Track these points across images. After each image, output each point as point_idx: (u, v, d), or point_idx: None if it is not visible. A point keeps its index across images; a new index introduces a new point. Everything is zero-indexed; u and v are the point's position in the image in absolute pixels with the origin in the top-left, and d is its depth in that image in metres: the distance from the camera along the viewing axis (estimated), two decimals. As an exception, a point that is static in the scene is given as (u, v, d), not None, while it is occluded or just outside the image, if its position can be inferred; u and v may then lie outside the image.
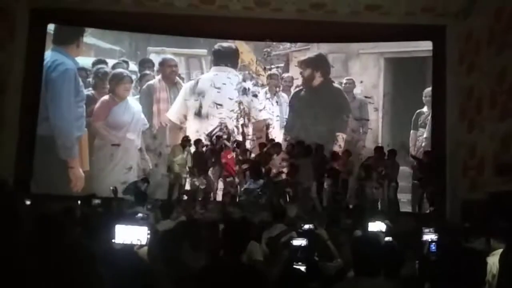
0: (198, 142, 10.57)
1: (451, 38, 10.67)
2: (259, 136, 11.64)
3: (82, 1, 10.69)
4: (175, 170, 10.18)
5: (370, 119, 11.82)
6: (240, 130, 11.69)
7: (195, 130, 11.63)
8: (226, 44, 12.10)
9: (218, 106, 11.78)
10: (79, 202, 7.57)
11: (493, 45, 8.95)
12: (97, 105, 11.59)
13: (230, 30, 11.55)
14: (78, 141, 11.36)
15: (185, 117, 11.82)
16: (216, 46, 12.07)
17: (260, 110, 11.97)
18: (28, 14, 10.61)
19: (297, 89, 12.11)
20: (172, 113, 11.87)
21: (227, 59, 12.06)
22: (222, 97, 11.88)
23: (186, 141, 10.49)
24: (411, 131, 11.58)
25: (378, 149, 10.48)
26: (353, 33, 11.33)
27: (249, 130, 11.82)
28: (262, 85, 12.17)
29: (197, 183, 10.12)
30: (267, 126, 11.74)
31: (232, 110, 11.82)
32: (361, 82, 11.87)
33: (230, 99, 11.88)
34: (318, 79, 12.05)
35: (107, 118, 11.56)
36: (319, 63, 12.04)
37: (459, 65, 10.35)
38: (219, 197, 10.50)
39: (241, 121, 11.76)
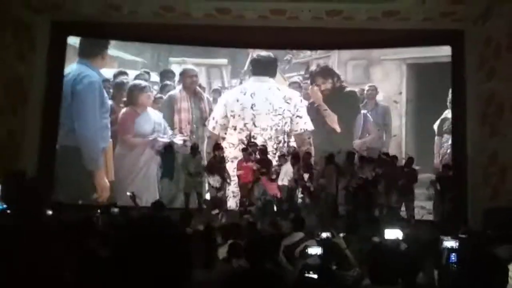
0: (216, 148, 10.55)
1: (470, 43, 10.53)
2: (300, 146, 11.48)
3: (102, 13, 10.84)
4: (189, 179, 10.24)
5: (393, 126, 11.71)
6: (281, 141, 11.62)
7: (237, 139, 11.59)
8: (264, 53, 12.01)
9: (258, 116, 11.74)
10: (98, 211, 7.66)
11: (514, 50, 8.83)
12: (120, 119, 11.70)
13: (248, 39, 11.59)
14: (103, 152, 11.50)
15: (225, 126, 11.80)
16: (254, 55, 12.02)
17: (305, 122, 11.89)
18: (49, 26, 10.82)
19: (310, 101, 12.02)
20: (211, 123, 11.87)
21: (266, 68, 12.01)
22: (261, 107, 11.80)
23: (195, 149, 10.54)
24: (436, 137, 11.37)
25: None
26: (371, 40, 11.24)
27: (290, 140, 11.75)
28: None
29: (216, 184, 10.10)
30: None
31: (273, 120, 11.77)
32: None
33: (271, 109, 11.81)
34: (333, 87, 12.00)
35: (134, 130, 11.69)
36: (328, 73, 11.98)
37: (478, 70, 10.20)
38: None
39: (281, 132, 11.70)
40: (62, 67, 11.38)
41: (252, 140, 11.33)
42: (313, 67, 12.09)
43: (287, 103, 11.86)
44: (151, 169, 11.51)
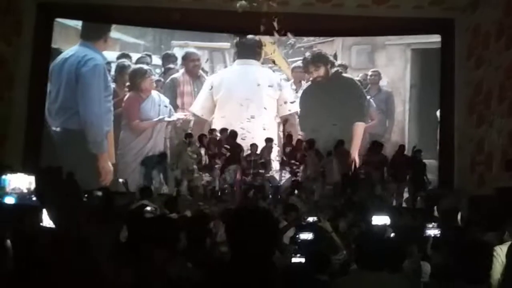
0: (201, 137, 10.49)
1: (459, 32, 10.57)
2: (286, 129, 11.43)
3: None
4: (181, 166, 10.19)
5: (396, 112, 11.69)
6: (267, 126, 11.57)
7: (221, 123, 11.46)
8: (249, 36, 11.92)
9: (244, 100, 11.69)
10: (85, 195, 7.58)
11: (502, 39, 8.87)
12: (125, 104, 11.62)
13: (243, 24, 11.42)
14: (107, 136, 11.42)
15: (211, 110, 11.77)
16: (239, 38, 11.96)
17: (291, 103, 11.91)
18: (35, 8, 10.62)
19: (306, 85, 12.00)
20: (197, 107, 11.82)
21: (250, 51, 11.97)
22: (247, 90, 11.78)
23: (189, 137, 10.49)
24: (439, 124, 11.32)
25: (373, 144, 10.39)
26: (360, 27, 11.23)
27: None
28: (287, 79, 12.13)
29: (204, 178, 10.09)
30: (285, 121, 11.49)
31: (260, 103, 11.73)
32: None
33: (255, 92, 11.79)
34: (326, 74, 11.95)
35: (140, 115, 11.64)
36: (321, 60, 11.94)
37: (467, 59, 10.25)
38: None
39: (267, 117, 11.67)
40: (49, 50, 11.23)
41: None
42: (306, 54, 12.03)
43: (273, 85, 11.85)
44: (156, 153, 11.36)
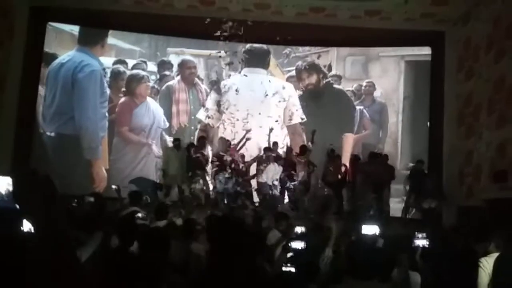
0: (190, 146, 10.37)
1: (450, 45, 10.71)
2: (293, 138, 11.51)
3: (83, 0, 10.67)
4: (170, 172, 10.14)
5: (389, 122, 11.78)
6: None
7: (227, 131, 11.45)
8: (257, 44, 11.92)
9: (251, 108, 11.67)
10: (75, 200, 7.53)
11: (492, 52, 8.99)
12: (118, 109, 11.56)
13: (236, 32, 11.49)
14: (102, 141, 11.36)
15: (217, 117, 11.77)
16: (247, 46, 11.91)
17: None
18: (28, 11, 10.59)
19: (298, 95, 12.04)
20: (203, 114, 11.81)
21: (258, 60, 11.98)
22: (254, 99, 11.78)
23: (178, 144, 10.36)
24: None
25: (369, 155, 10.47)
26: (352, 38, 11.33)
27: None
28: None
29: (197, 186, 10.03)
30: (270, 130, 11.38)
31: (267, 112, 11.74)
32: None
33: (262, 100, 11.77)
34: (318, 82, 12.03)
35: (131, 122, 11.56)
36: (314, 69, 12.02)
37: (457, 71, 10.38)
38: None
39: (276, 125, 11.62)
40: (41, 54, 11.16)
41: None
42: (299, 63, 12.10)
43: (281, 94, 11.86)
44: (149, 161, 11.44)
